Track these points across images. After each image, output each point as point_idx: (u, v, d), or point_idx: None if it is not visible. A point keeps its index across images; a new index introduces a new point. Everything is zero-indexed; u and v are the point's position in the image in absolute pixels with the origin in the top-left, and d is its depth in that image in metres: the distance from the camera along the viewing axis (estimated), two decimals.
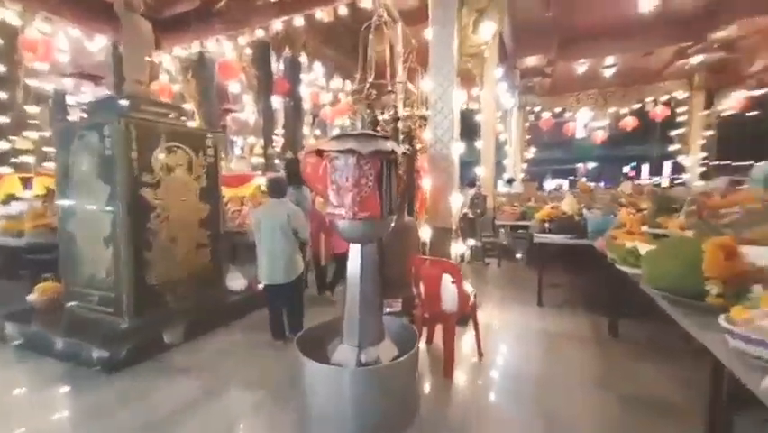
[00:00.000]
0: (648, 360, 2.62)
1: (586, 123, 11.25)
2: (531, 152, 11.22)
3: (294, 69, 7.51)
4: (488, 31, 4.37)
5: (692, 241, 1.47)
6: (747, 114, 9.55)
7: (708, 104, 9.80)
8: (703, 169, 9.90)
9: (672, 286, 1.46)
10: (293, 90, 7.57)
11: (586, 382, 2.39)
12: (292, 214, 2.81)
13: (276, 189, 2.94)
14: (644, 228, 2.35)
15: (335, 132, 9.31)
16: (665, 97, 10.22)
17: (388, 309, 3.03)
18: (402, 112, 3.46)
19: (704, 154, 9.94)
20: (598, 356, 2.73)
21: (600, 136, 11.16)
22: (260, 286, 2.95)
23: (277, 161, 7.57)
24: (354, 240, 1.84)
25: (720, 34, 7.45)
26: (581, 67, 8.92)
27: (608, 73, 9.23)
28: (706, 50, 7.92)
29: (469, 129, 6.46)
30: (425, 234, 3.39)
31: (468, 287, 2.75)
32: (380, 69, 3.50)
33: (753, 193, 2.95)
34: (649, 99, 10.30)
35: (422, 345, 2.69)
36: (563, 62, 8.72)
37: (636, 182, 9.85)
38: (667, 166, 14.97)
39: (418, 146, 3.56)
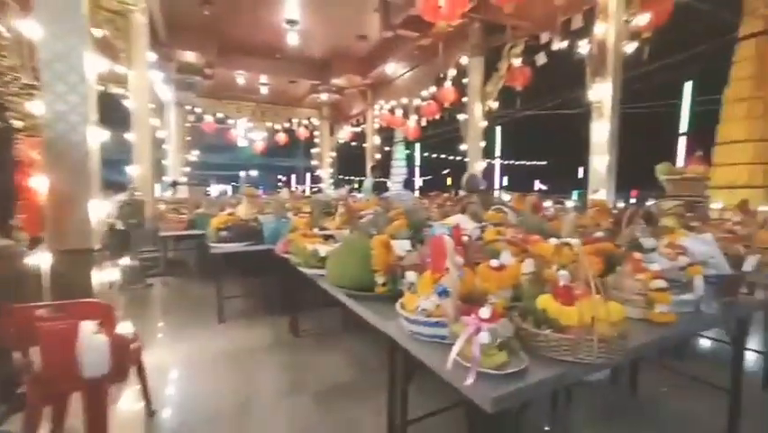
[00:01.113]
0: (330, 350, 2.96)
1: (246, 132, 11.86)
2: (194, 155, 10.46)
3: None
4: None
5: (363, 240, 1.71)
6: (353, 143, 13.46)
7: (332, 131, 12.96)
8: (332, 180, 13.00)
9: (352, 282, 1.64)
10: None
11: (283, 389, 2.38)
12: None
13: None
14: (315, 230, 2.63)
15: None
16: (306, 121, 12.57)
17: None
18: None
19: (332, 169, 13.05)
20: (285, 360, 2.80)
21: (260, 147, 12.13)
22: None
23: None
24: None
25: (335, 81, 9.96)
26: (240, 77, 9.25)
27: (263, 90, 10.12)
28: (328, 90, 10.35)
29: (118, 117, 5.06)
30: (43, 262, 2.22)
31: (125, 328, 2.02)
32: None
33: (370, 200, 4.04)
34: (296, 120, 12.30)
35: None
36: (224, 69, 8.70)
37: (292, 189, 11.53)
38: (309, 177, 18.61)
39: (18, 123, 2.30)
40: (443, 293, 1.15)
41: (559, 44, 5.76)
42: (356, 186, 9.59)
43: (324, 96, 10.61)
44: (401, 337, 1.23)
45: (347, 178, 14.36)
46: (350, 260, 1.66)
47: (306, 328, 3.28)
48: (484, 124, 7.10)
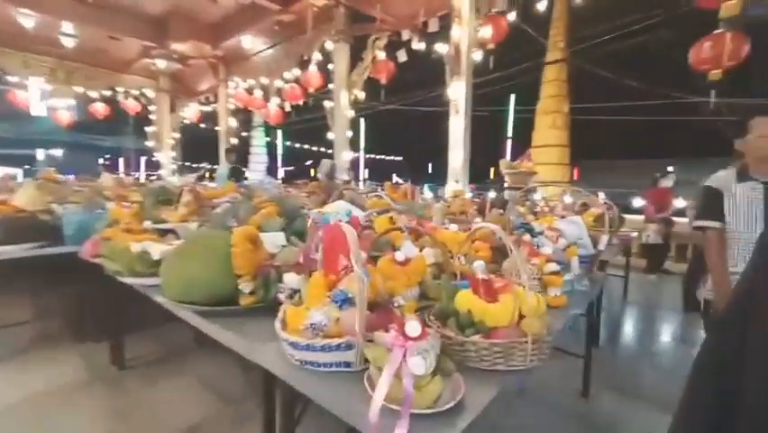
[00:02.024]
0: (174, 379, 2.27)
1: (44, 97, 8.86)
2: None
3: None
4: None
5: (219, 235, 1.24)
6: (201, 124, 11.64)
7: (173, 108, 10.89)
8: (174, 166, 10.96)
9: (204, 293, 1.16)
10: None
11: None
12: None
13: None
14: (147, 223, 1.93)
15: None
16: (137, 92, 10.21)
17: None
18: None
19: (175, 154, 11.00)
20: (104, 403, 2.02)
21: (67, 118, 9.26)
22: None
23: None
24: None
25: (177, 46, 8.35)
26: (28, 19, 6.76)
27: (68, 42, 7.67)
28: (166, 56, 8.60)
29: None
30: None
31: None
32: None
33: (227, 186, 3.40)
34: (121, 89, 9.84)
35: None
36: None
37: (118, 174, 9.16)
38: (143, 162, 15.36)
39: None
40: (345, 302, 0.84)
41: (418, 44, 6.05)
42: (207, 175, 8.26)
43: (161, 64, 8.75)
44: (284, 369, 0.86)
45: (195, 165, 12.35)
46: (199, 263, 1.18)
47: (135, 356, 2.48)
48: (351, 113, 6.99)
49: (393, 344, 0.66)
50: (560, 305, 1.24)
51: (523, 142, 8.62)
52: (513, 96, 9.40)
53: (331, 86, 7.03)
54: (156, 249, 1.44)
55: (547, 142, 7.96)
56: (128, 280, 1.48)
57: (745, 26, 3.46)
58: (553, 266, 1.26)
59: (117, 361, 2.39)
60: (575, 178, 8.46)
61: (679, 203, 4.97)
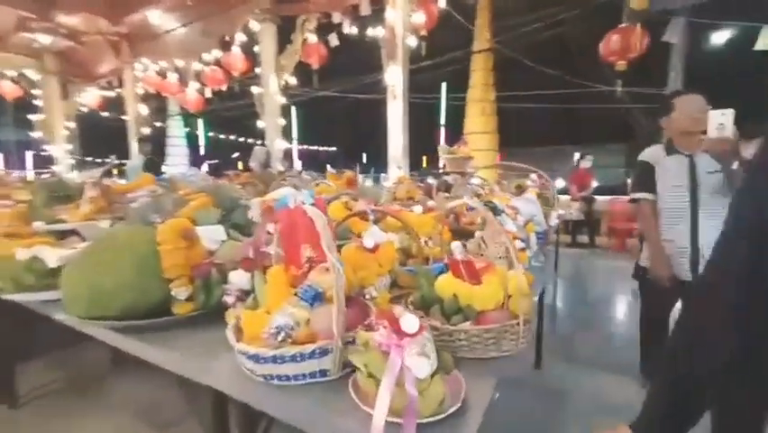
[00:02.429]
0: (88, 411, 1.90)
1: None
2: None
3: None
4: None
5: (139, 233, 1.00)
6: (104, 113, 10.13)
7: (65, 94, 9.31)
8: (72, 161, 9.44)
9: (125, 305, 0.93)
10: None
11: None
12: None
13: None
14: (38, 225, 1.55)
15: None
16: (14, 73, 8.53)
17: None
18: None
19: (71, 146, 9.46)
20: None
21: None
22: None
23: None
24: None
25: (64, 19, 7.11)
26: None
27: None
28: (52, 31, 7.28)
29: None
30: None
31: None
32: None
33: (143, 178, 2.96)
34: None
35: None
36: None
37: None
38: (30, 156, 13.01)
39: None
40: (316, 298, 0.70)
41: (350, 28, 5.85)
42: (116, 171, 7.19)
43: (44, 40, 7.38)
44: (242, 388, 0.70)
45: (101, 160, 10.75)
46: (112, 267, 0.93)
47: (33, 388, 2.04)
48: (282, 99, 6.58)
49: (388, 344, 0.55)
50: (530, 282, 1.22)
51: (456, 130, 8.92)
52: (444, 85, 9.64)
53: (258, 70, 6.53)
54: (52, 255, 1.14)
55: (477, 129, 8.31)
56: (15, 298, 1.16)
57: (646, 21, 3.88)
58: (519, 243, 1.24)
59: (9, 398, 1.94)
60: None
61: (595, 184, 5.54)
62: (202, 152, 15.70)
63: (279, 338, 0.66)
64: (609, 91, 5.64)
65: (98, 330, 0.95)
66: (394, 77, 4.78)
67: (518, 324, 0.74)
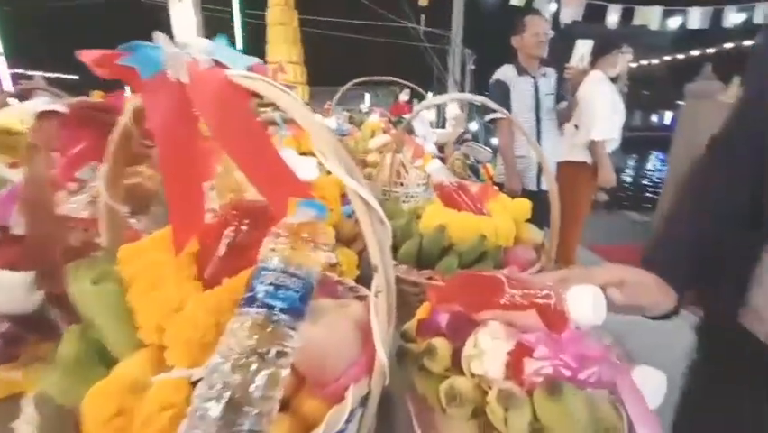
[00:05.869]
0: None
1: None
2: None
3: None
4: None
5: None
6: None
7: None
8: None
9: None
10: None
11: None
12: None
13: None
14: None
15: None
16: None
17: None
18: None
19: None
20: None
21: None
22: None
23: None
24: None
25: None
26: None
27: None
28: None
29: None
30: None
31: None
32: None
33: None
34: None
35: None
36: None
37: None
38: None
39: None
40: (302, 300, 0.29)
41: None
42: None
43: None
44: None
45: None
46: None
47: None
48: None
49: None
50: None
51: (259, 57, 7.72)
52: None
53: None
54: None
55: (280, 57, 7.46)
56: None
57: None
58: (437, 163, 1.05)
59: None
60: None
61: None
62: None
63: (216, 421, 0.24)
64: (411, 28, 5.88)
65: None
66: None
67: (555, 261, 0.56)
